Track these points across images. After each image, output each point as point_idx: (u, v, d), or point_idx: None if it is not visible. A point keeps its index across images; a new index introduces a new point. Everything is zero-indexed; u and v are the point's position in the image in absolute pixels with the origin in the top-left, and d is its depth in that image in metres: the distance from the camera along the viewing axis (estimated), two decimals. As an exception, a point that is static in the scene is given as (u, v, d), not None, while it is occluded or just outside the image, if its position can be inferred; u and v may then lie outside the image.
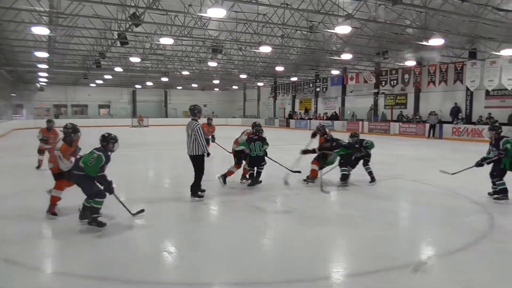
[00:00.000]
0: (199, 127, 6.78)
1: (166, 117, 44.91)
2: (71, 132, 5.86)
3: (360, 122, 27.22)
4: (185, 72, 30.83)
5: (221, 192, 7.56)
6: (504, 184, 6.68)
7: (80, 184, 5.23)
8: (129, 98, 45.30)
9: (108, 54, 24.26)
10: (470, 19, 15.17)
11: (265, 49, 19.58)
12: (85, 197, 5.26)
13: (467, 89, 21.71)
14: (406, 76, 24.97)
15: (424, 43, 16.83)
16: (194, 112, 6.95)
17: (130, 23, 15.26)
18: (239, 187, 8.03)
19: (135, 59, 23.59)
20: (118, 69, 28.09)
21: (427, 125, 22.48)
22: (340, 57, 21.82)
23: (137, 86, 43.26)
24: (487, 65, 20.14)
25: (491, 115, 20.31)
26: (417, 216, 6.10)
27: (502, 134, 6.85)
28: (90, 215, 5.27)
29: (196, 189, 6.89)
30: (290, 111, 38.23)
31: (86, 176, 5.17)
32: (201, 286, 3.68)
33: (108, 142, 5.42)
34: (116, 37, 19.33)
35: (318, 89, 33.52)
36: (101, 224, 5.26)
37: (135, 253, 4.43)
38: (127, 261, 4.18)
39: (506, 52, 17.61)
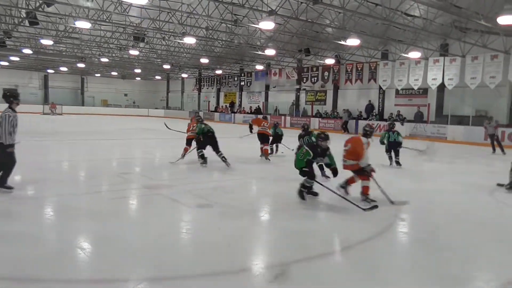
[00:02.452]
0: (6, 115, 6.05)
1: (83, 105, 42.51)
2: None
3: (283, 117, 28.04)
4: (104, 59, 29.39)
5: (142, 185, 7.37)
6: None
7: None
8: (41, 83, 42.05)
9: (15, 34, 22.27)
10: (383, 22, 16.31)
11: (190, 40, 19.31)
12: None
13: (380, 87, 23.34)
14: (326, 73, 26.17)
15: (342, 42, 17.76)
16: (8, 98, 6.20)
17: (40, 1, 14.13)
18: (159, 181, 7.90)
19: (46, 42, 21.95)
20: (27, 51, 25.94)
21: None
22: (264, 52, 22.22)
23: (50, 71, 40.30)
24: (397, 65, 21.80)
25: (400, 113, 22.07)
26: (332, 210, 6.45)
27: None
28: None
29: (2, 181, 6.27)
30: (215, 105, 38.18)
31: None
32: (116, 282, 3.58)
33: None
34: (24, 15, 17.79)
35: (242, 83, 33.87)
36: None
37: (46, 250, 4.18)
38: (37, 258, 3.93)
39: (413, 54, 19.26)
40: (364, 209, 5.93)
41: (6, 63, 35.09)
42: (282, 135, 12.14)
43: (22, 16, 18.35)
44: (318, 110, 26.86)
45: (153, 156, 11.88)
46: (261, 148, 11.34)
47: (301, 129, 9.97)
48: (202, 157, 9.59)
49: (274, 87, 31.45)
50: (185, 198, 6.48)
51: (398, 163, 10.44)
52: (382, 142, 10.65)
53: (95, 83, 44.71)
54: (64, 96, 41.50)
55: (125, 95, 47.53)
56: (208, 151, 9.91)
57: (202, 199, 6.56)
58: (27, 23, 18.00)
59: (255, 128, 11.84)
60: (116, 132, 20.14)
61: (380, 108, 23.86)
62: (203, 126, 9.73)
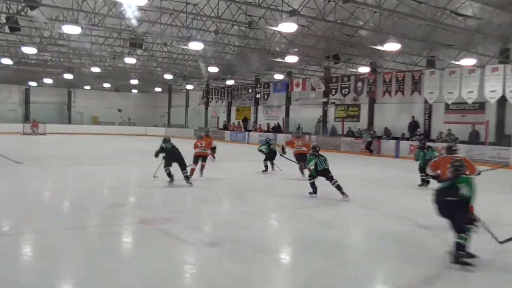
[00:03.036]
0: None
1: (69, 123, 43.31)
2: None
3: (307, 137, 28.04)
4: (95, 69, 30.00)
5: (138, 218, 7.45)
6: None
7: None
8: (21, 98, 43.05)
9: (-8, 42, 23.07)
10: (427, 23, 16.36)
11: (196, 45, 19.65)
12: None
13: (426, 101, 23.22)
14: (359, 84, 26.21)
15: (379, 47, 17.82)
16: None
17: (23, 4, 14.67)
18: (158, 213, 7.97)
19: (29, 50, 22.58)
20: (6, 60, 26.69)
21: (382, 142, 23.68)
22: (284, 59, 22.43)
23: (32, 84, 41.25)
24: (446, 75, 21.69)
25: (451, 132, 21.85)
26: (366, 246, 6.41)
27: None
28: None
29: None
30: (225, 121, 38.47)
31: None
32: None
33: None
34: (4, 21, 18.43)
35: (258, 96, 34.13)
36: None
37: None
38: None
39: (466, 61, 19.07)
40: (500, 242, 5.56)
41: (-19, 75, 36.21)
42: (275, 152, 14.33)
43: (1, 22, 19.02)
44: (350, 128, 26.83)
45: (151, 183, 11.97)
46: (300, 168, 13.07)
47: (312, 150, 10.73)
48: (169, 175, 11.05)
49: (297, 100, 31.59)
50: (189, 235, 6.53)
51: (424, 181, 11.43)
52: (417, 160, 11.90)
53: (84, 97, 45.59)
54: (48, 113, 42.36)
55: (119, 110, 48.22)
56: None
57: (210, 235, 6.59)
58: (7, 29, 18.61)
59: (288, 150, 13.84)
60: (107, 155, 20.41)
61: (426, 126, 23.69)
62: (167, 145, 11.21)
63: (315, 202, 9.42)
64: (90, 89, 44.81)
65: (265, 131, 32.15)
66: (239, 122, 36.63)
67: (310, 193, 9.80)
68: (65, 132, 38.13)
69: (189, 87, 39.92)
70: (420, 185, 11.54)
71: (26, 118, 40.80)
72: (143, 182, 11.85)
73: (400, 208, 8.93)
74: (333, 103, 28.77)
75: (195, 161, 12.06)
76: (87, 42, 23.38)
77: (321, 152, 10.14)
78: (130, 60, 25.58)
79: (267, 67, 29.07)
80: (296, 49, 22.31)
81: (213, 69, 27.29)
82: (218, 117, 39.60)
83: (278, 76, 29.50)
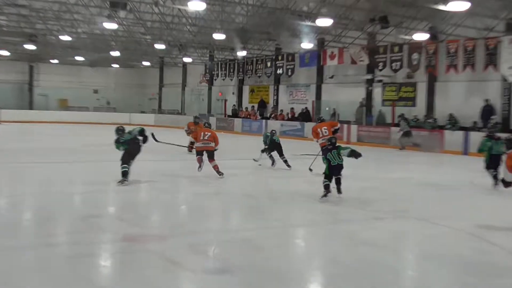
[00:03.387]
0: None
1: (31, 108, 43.69)
2: None
3: (345, 126, 27.83)
4: (65, 37, 30.18)
5: (119, 234, 7.42)
6: None
7: None
8: (-32, 76, 43.67)
9: None
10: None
11: (196, 5, 19.57)
12: None
13: (504, 78, 22.89)
14: (415, 56, 25.91)
15: (441, 7, 17.57)
16: None
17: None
18: (146, 228, 7.94)
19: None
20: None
21: (446, 132, 23.40)
22: (314, 22, 22.26)
23: (-18, 57, 41.76)
24: (532, 43, 21.35)
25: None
26: (426, 274, 6.32)
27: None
28: None
29: None
30: (235, 105, 38.44)
31: None
32: None
33: None
34: None
35: (280, 71, 33.95)
36: None
37: None
38: None
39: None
40: None
41: None
42: (279, 143, 15.21)
43: None
44: (403, 114, 26.54)
45: (136, 187, 11.96)
46: None
47: (327, 142, 11.30)
48: (125, 174, 11.59)
49: (331, 77, 31.35)
50: (188, 258, 6.47)
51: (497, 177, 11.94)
52: (482, 151, 12.76)
53: (50, 73, 45.96)
54: (3, 95, 42.80)
55: (95, 91, 48.50)
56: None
57: (215, 259, 6.52)
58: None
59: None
60: (79, 150, 20.43)
61: (505, 111, 23.36)
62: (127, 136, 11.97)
63: (357, 215, 9.33)
64: (58, 63, 45.15)
65: (288, 119, 31.98)
66: (253, 106, 36.54)
67: (322, 197, 10.16)
68: (25, 120, 38.42)
69: (187, 60, 39.89)
70: (495, 184, 11.99)
71: (-24, 102, 41.23)
72: (124, 186, 11.81)
73: (469, 222, 8.79)
74: (380, 81, 28.50)
75: (199, 154, 13.34)
76: (54, 2, 23.48)
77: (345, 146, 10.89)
78: (110, 25, 25.65)
79: (291, 34, 28.90)
80: (329, 9, 22.13)
81: (219, 36, 27.25)
82: (226, 100, 39.56)
83: (306, 46, 29.33)
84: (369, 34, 27.27)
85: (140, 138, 12.07)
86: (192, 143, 18.07)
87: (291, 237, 8.11)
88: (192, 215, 9.21)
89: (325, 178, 10.26)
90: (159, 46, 32.76)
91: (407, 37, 24.79)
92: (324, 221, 8.93)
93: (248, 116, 35.32)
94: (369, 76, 28.49)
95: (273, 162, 15.37)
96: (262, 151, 15.52)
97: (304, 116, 31.24)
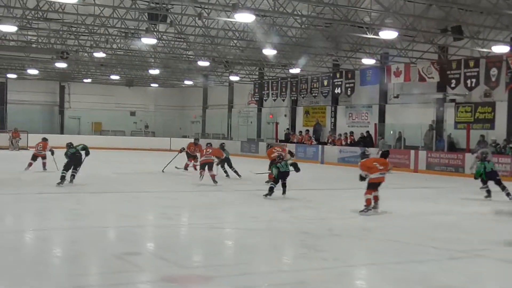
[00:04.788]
0: None
1: (61, 132, 44.41)
2: None
3: (412, 152, 27.44)
4: (99, 54, 30.77)
5: (159, 274, 7.42)
6: None
7: None
8: (-5, 97, 44.89)
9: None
10: None
11: (244, 17, 19.71)
12: None
13: None
14: (494, 71, 25.45)
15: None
16: None
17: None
18: (188, 267, 7.93)
19: (8, 28, 23.41)
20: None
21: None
22: (377, 35, 22.14)
23: (10, 76, 42.89)
24: None
25: None
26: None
27: None
28: None
29: None
30: (288, 129, 38.40)
31: None
32: None
33: None
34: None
35: (338, 91, 33.85)
36: None
37: None
38: None
39: None
40: None
41: None
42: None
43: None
44: (482, 136, 26.00)
45: (177, 222, 12.03)
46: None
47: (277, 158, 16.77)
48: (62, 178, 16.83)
49: (397, 96, 31.08)
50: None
51: (509, 194, 15.88)
52: (479, 175, 16.27)
53: (83, 94, 46.84)
54: (32, 118, 43.76)
55: (132, 114, 49.25)
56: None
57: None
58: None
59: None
60: (114, 179, 20.76)
61: None
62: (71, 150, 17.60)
63: (428, 255, 9.11)
64: (91, 82, 45.96)
65: (348, 144, 31.72)
66: (308, 130, 36.46)
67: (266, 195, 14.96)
68: (56, 145, 39.03)
69: (234, 78, 40.22)
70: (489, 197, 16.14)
71: (1, 125, 42.31)
72: (164, 220, 11.90)
73: None
74: (452, 100, 28.13)
75: (202, 167, 18.66)
76: (88, 15, 23.99)
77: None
78: (149, 40, 26.02)
79: (351, 48, 28.82)
80: (394, 20, 21.98)
81: (270, 52, 27.36)
82: (277, 123, 39.61)
83: (368, 61, 29.18)
84: (440, 47, 26.96)
85: (83, 152, 17.99)
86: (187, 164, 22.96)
87: (352, 279, 7.97)
88: (240, 254, 9.15)
89: (272, 182, 15.39)
90: (203, 63, 33.11)
91: (484, 49, 24.40)
92: (390, 260, 8.73)
93: (302, 140, 35.23)
94: (440, 95, 28.14)
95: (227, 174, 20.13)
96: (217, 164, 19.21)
97: (366, 140, 30.95)
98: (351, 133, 32.73)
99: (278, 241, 10.07)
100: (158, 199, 15.66)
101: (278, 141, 37.39)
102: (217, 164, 19.39)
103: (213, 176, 18.20)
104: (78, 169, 17.59)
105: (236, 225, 11.94)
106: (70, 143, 18.07)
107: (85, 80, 45.54)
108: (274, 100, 39.65)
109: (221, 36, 28.05)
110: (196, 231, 10.96)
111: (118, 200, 15.21)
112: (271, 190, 15.00)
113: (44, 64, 36.50)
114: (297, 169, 15.47)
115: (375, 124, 31.97)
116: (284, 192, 15.25)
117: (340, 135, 33.72)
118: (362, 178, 13.25)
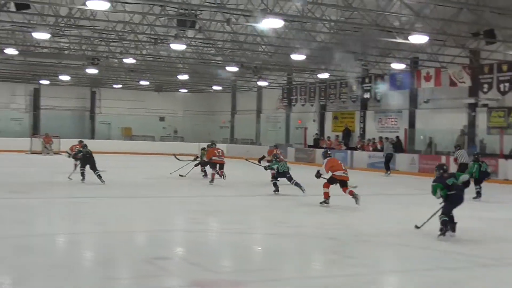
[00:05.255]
0: None
1: (92, 137, 44.75)
2: None
3: (443, 158, 27.22)
4: (129, 60, 31.00)
5: (189, 279, 7.45)
6: None
7: None
8: (28, 102, 45.36)
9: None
10: None
11: (273, 22, 19.72)
12: None
13: None
14: (527, 75, 25.21)
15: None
16: None
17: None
18: (219, 272, 7.94)
19: (41, 35, 23.70)
20: (10, 50, 28.22)
21: None
22: (407, 39, 22.01)
23: (43, 82, 43.38)
24: None
25: None
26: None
27: None
28: None
29: None
30: (316, 134, 38.31)
31: None
32: None
33: None
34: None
35: (367, 96, 33.69)
36: None
37: None
38: None
39: None
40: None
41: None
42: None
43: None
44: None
45: (205, 226, 12.05)
46: None
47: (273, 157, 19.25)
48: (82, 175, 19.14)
49: (427, 101, 30.86)
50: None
51: (480, 194, 17.13)
52: (471, 175, 16.03)
53: (113, 99, 47.21)
54: (63, 123, 44.26)
55: (161, 119, 49.51)
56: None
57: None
58: (12, 7, 19.64)
59: None
60: (143, 184, 20.90)
61: None
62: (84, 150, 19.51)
63: (459, 262, 9.02)
64: (121, 87, 46.30)
65: (377, 150, 31.55)
66: (337, 135, 36.34)
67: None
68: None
69: (262, 83, 40.24)
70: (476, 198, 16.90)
71: (35, 130, 42.82)
72: (193, 225, 11.94)
73: None
74: (485, 105, 27.83)
75: (214, 167, 20.00)
76: (118, 22, 24.22)
77: None
78: (178, 46, 26.15)
79: (381, 52, 28.68)
80: (425, 24, 21.85)
81: (298, 57, 27.34)
82: (306, 128, 39.52)
83: (397, 66, 29.01)
84: (472, 51, 26.72)
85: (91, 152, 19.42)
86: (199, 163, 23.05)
87: (383, 285, 7.96)
88: (269, 259, 9.14)
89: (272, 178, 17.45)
90: (231, 69, 33.13)
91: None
92: (420, 267, 8.64)
93: (331, 146, 35.06)
94: (471, 100, 27.87)
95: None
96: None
97: (396, 146, 30.73)
98: (380, 138, 32.52)
99: (306, 247, 10.05)
100: (186, 204, 15.79)
101: (306, 146, 37.36)
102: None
103: (221, 172, 20.00)
104: (96, 168, 19.08)
105: (263, 230, 11.94)
106: (85, 144, 20.11)
107: (115, 86, 45.91)
108: (303, 105, 39.61)
109: (249, 41, 28.10)
110: (224, 236, 10.99)
111: (147, 204, 15.33)
112: (275, 185, 17.16)
113: (76, 70, 36.88)
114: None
115: (405, 129, 31.74)
116: (302, 190, 16.58)
117: (368, 140, 33.54)
118: (318, 175, 15.10)
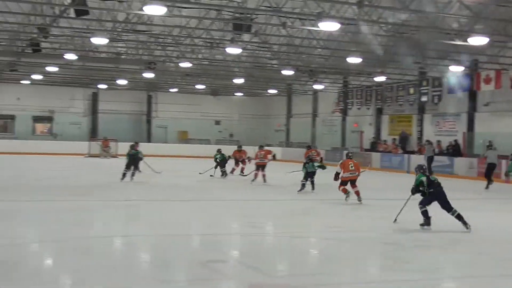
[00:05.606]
0: None
1: (149, 141, 45.40)
2: None
3: (504, 162, 26.66)
4: (185, 64, 31.30)
5: (244, 282, 7.47)
6: None
7: None
8: (87, 106, 46.23)
9: (53, 31, 24.93)
10: None
11: (329, 25, 19.66)
12: None
13: None
14: None
15: None
16: None
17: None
18: (275, 276, 7.94)
19: (100, 40, 24.14)
20: (70, 55, 28.78)
21: None
22: (466, 41, 21.66)
23: (101, 86, 44.14)
24: None
25: None
26: None
27: None
28: None
29: None
30: (373, 137, 38.01)
31: None
32: None
33: None
34: (69, 0, 19.91)
35: (425, 99, 33.25)
36: None
37: None
38: None
39: None
40: None
41: (39, 76, 39.30)
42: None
43: (65, 3, 20.54)
44: None
45: (261, 230, 12.07)
46: None
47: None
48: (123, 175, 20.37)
49: (487, 104, 30.30)
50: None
51: None
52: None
53: (169, 103, 47.66)
54: (121, 127, 44.93)
55: (217, 123, 49.80)
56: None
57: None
58: (71, 13, 20.03)
59: None
60: (199, 187, 21.08)
61: None
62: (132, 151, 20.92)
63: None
64: (178, 91, 46.72)
65: (436, 154, 31.03)
66: (394, 139, 35.99)
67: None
68: (144, 154, 39.93)
69: (318, 87, 40.12)
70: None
71: (93, 134, 43.63)
72: (248, 228, 11.98)
73: None
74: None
75: (257, 169, 21.63)
76: (174, 26, 24.49)
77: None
78: (233, 50, 26.28)
79: (439, 55, 28.28)
80: (485, 25, 21.47)
81: (354, 60, 27.16)
82: (362, 132, 39.24)
83: (456, 68, 28.58)
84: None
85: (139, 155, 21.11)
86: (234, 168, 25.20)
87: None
88: (325, 264, 9.10)
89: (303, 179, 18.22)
90: (287, 72, 33.13)
91: None
92: (478, 273, 8.50)
93: (388, 149, 34.74)
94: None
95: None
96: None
97: (455, 150, 30.26)
98: (438, 142, 32.11)
99: (362, 252, 9.96)
100: (242, 207, 15.87)
101: (362, 149, 37.08)
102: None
103: (264, 176, 21.43)
104: (137, 169, 20.85)
105: (319, 234, 11.90)
106: (134, 144, 21.88)
107: (171, 90, 46.31)
108: (359, 108, 39.31)
109: (305, 45, 28.04)
110: (280, 239, 11.00)
111: (201, 207, 15.45)
112: (302, 186, 18.27)
113: (133, 74, 37.38)
114: (323, 167, 19.08)
115: (464, 132, 31.22)
116: (312, 188, 18.37)
117: (425, 143, 32.91)
118: (336, 178, 16.24)
